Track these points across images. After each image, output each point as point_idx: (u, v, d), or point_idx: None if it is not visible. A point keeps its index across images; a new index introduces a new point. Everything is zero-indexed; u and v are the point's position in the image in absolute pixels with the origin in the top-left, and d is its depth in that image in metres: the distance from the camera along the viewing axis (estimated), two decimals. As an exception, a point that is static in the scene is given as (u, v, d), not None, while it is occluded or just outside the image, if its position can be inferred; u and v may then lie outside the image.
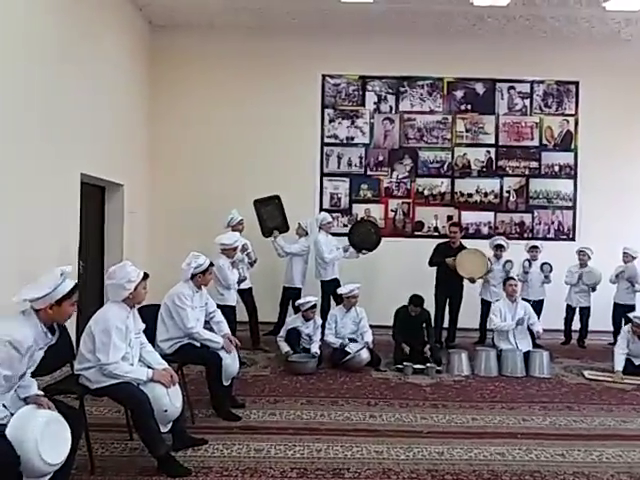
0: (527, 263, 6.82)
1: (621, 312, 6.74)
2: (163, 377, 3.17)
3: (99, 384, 3.08)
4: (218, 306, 5.21)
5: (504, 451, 3.51)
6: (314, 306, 5.74)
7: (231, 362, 4.09)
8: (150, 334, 3.73)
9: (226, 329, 4.29)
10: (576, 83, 7.94)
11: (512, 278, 6.06)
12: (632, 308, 6.51)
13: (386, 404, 4.45)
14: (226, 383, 4.09)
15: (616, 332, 6.81)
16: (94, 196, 6.57)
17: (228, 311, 5.19)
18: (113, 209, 6.91)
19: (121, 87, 6.82)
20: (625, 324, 6.56)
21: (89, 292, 6.14)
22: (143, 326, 3.41)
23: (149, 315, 3.80)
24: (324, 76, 7.98)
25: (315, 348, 5.57)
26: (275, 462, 3.29)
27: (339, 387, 4.90)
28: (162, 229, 7.69)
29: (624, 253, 6.77)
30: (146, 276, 3.27)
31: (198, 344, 4.08)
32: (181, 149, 7.83)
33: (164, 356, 3.62)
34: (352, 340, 5.74)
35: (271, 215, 6.98)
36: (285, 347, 5.62)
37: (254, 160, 7.78)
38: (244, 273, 5.72)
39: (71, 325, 4.19)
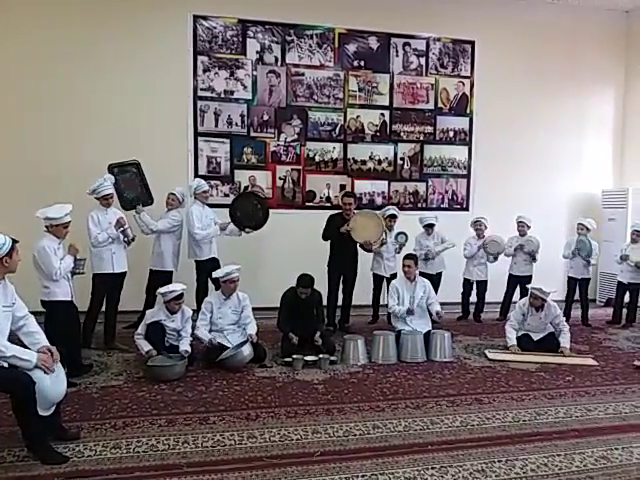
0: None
1: (516, 284, 6.54)
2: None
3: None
4: (43, 303, 3.97)
5: (414, 474, 2.81)
6: (180, 296, 4.56)
7: (51, 384, 2.92)
8: None
9: (43, 340, 3.07)
10: (472, 43, 7.47)
11: (407, 257, 5.39)
12: (529, 279, 6.26)
13: (270, 415, 3.58)
14: (46, 413, 2.93)
15: (507, 304, 6.62)
16: None
17: (57, 309, 3.94)
18: None
19: None
20: (521, 296, 6.36)
21: None
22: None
23: None
24: (196, 17, 6.67)
25: (185, 346, 4.49)
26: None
27: (212, 396, 3.91)
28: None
29: (519, 222, 6.51)
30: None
31: (4, 362, 2.87)
32: (15, 102, 6.16)
33: None
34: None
35: (129, 184, 5.66)
36: (145, 346, 4.46)
37: (110, 115, 6.35)
38: (83, 259, 4.24)
39: None
